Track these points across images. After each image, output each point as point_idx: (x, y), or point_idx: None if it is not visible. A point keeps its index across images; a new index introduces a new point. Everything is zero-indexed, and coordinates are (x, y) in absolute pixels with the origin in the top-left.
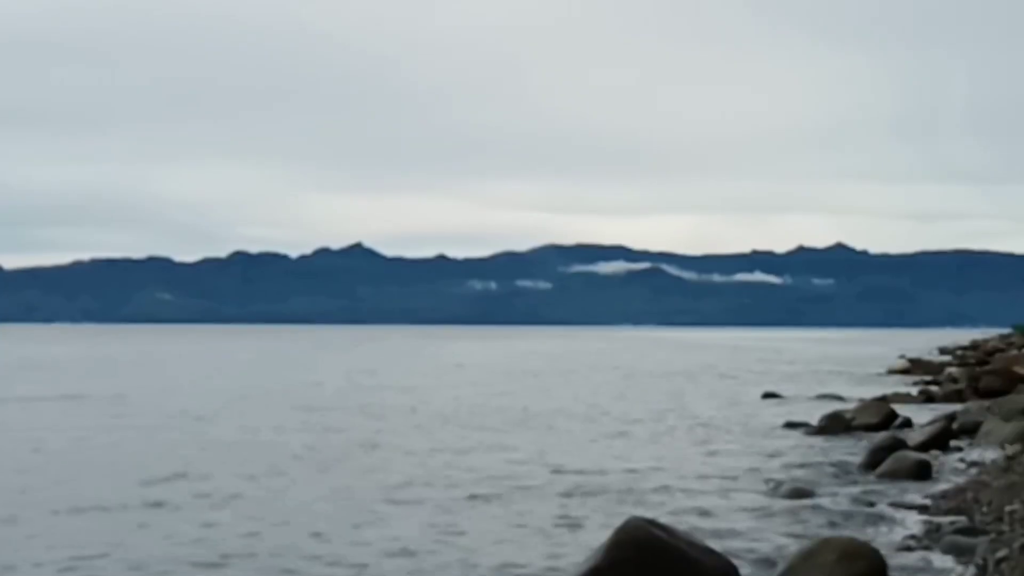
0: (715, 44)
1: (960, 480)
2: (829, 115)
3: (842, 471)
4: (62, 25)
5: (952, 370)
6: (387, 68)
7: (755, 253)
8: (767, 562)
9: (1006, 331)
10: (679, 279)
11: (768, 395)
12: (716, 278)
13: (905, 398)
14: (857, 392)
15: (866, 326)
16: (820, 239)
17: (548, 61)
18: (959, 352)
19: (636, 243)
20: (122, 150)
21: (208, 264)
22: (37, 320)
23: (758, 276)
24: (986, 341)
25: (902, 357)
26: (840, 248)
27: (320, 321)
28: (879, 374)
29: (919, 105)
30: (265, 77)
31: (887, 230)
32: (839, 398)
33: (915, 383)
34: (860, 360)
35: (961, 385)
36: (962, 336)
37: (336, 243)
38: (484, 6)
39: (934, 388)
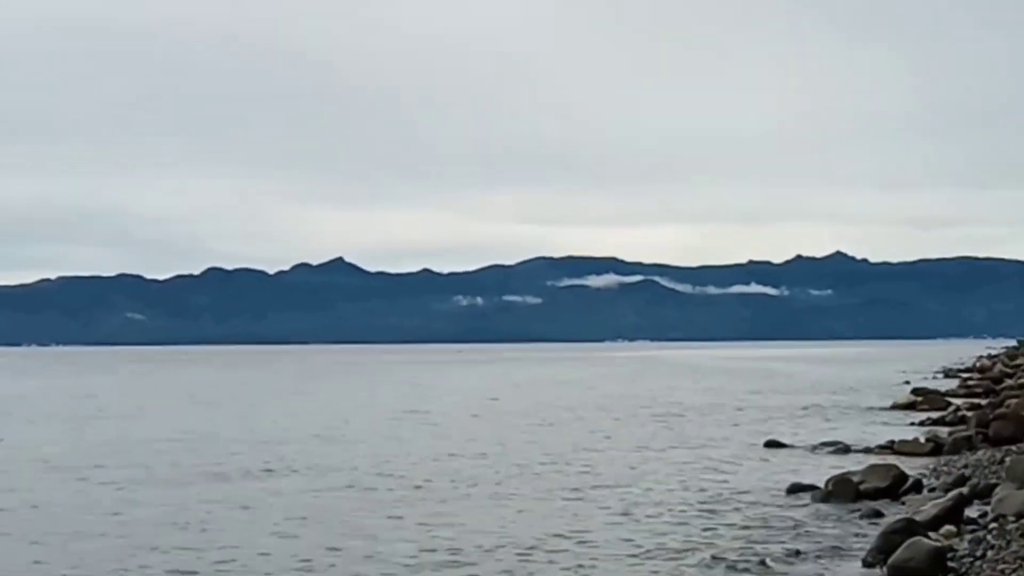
0: (707, 49)
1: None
2: (825, 120)
3: (854, 557)
4: (27, 33)
5: (959, 403)
6: (369, 77)
7: (752, 264)
8: None
9: (1011, 342)
10: (673, 292)
11: (771, 444)
12: (712, 290)
13: (913, 448)
14: (863, 436)
15: (867, 337)
16: (818, 248)
17: (536, 70)
18: (965, 377)
19: (628, 255)
20: (90, 162)
21: (181, 281)
22: (1, 343)
23: (755, 287)
24: (992, 361)
25: (906, 383)
26: (839, 257)
27: (299, 340)
28: (883, 408)
29: (916, 108)
30: (241, 87)
31: (887, 238)
32: (845, 448)
33: (922, 423)
34: (863, 386)
35: (971, 431)
36: (967, 348)
37: (316, 258)
38: (469, 15)
39: (943, 433)
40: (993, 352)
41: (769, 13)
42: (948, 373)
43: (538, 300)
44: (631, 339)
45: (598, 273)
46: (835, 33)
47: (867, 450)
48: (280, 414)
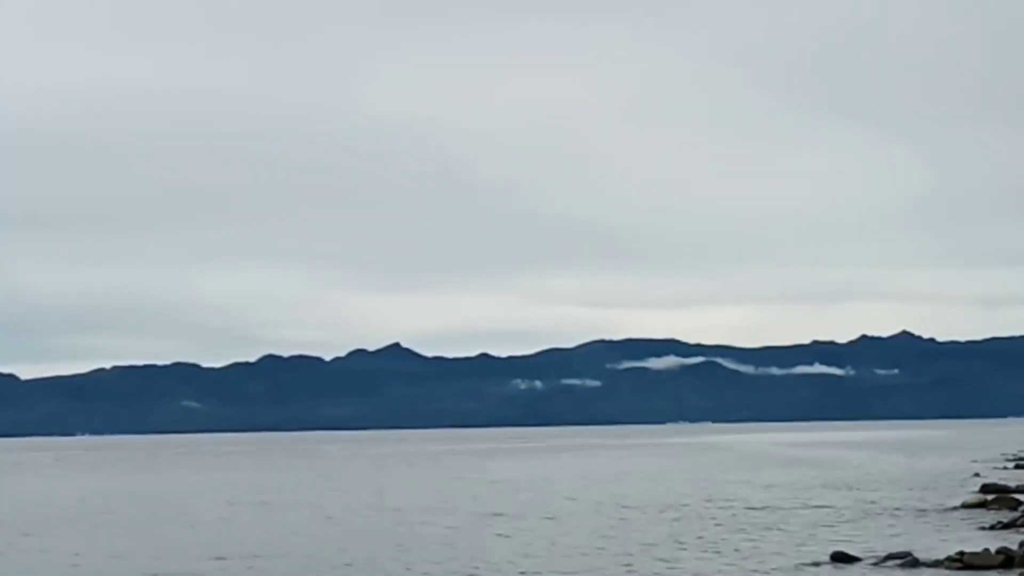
0: (766, 132)
1: None
2: (889, 199)
3: None
4: (83, 123)
5: None
6: (422, 161)
7: (816, 344)
8: None
9: None
10: (735, 373)
11: (838, 557)
12: (775, 371)
13: (984, 560)
14: (933, 543)
15: (935, 417)
16: (884, 327)
17: (592, 151)
18: None
19: (688, 336)
20: (144, 253)
21: (237, 369)
22: (56, 432)
23: (819, 368)
24: None
25: (976, 475)
26: (905, 336)
27: (355, 426)
28: (953, 508)
29: (980, 186)
30: (294, 175)
31: (954, 316)
32: (915, 562)
33: (992, 526)
34: (932, 480)
35: None
36: None
37: (372, 344)
38: (522, 95)
39: (1014, 540)
40: None
41: (824, 96)
42: (1018, 464)
43: (597, 383)
44: (693, 421)
45: (658, 355)
46: (893, 112)
47: (936, 563)
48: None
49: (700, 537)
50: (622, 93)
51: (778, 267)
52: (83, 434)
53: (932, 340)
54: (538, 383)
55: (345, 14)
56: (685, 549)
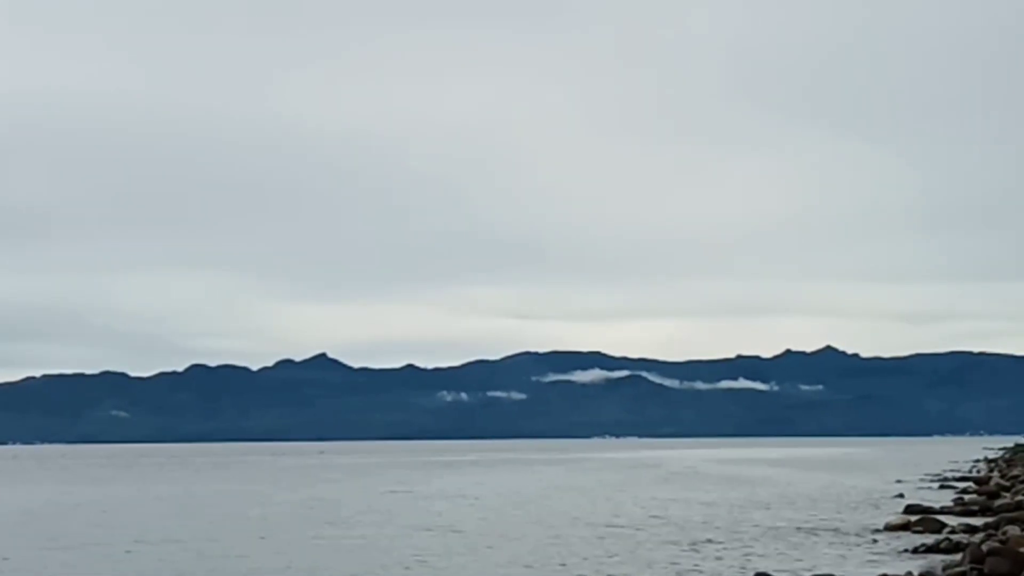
0: (692, 141)
1: None
2: (815, 212)
3: None
4: (22, 124)
5: (954, 525)
6: (346, 171)
7: (740, 358)
8: None
9: (1008, 441)
10: (660, 387)
11: None
12: (699, 385)
13: None
14: (854, 566)
15: (860, 435)
16: (808, 343)
17: (519, 162)
18: (960, 488)
19: (614, 349)
20: (72, 260)
21: (165, 378)
22: None
23: (743, 383)
24: (990, 466)
25: (900, 496)
26: (830, 352)
27: (283, 437)
28: (876, 530)
29: (907, 202)
30: (219, 183)
31: (879, 332)
32: None
33: (915, 549)
34: (854, 498)
35: (965, 567)
36: (962, 447)
37: (299, 354)
38: (449, 103)
39: (937, 566)
40: (990, 455)
41: (754, 102)
42: (943, 483)
43: (523, 396)
44: (618, 436)
45: (584, 368)
46: (823, 128)
47: None
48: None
49: (618, 555)
50: (549, 103)
51: (703, 280)
52: (15, 443)
53: (856, 356)
54: (464, 395)
55: (267, 22)
56: (607, 567)
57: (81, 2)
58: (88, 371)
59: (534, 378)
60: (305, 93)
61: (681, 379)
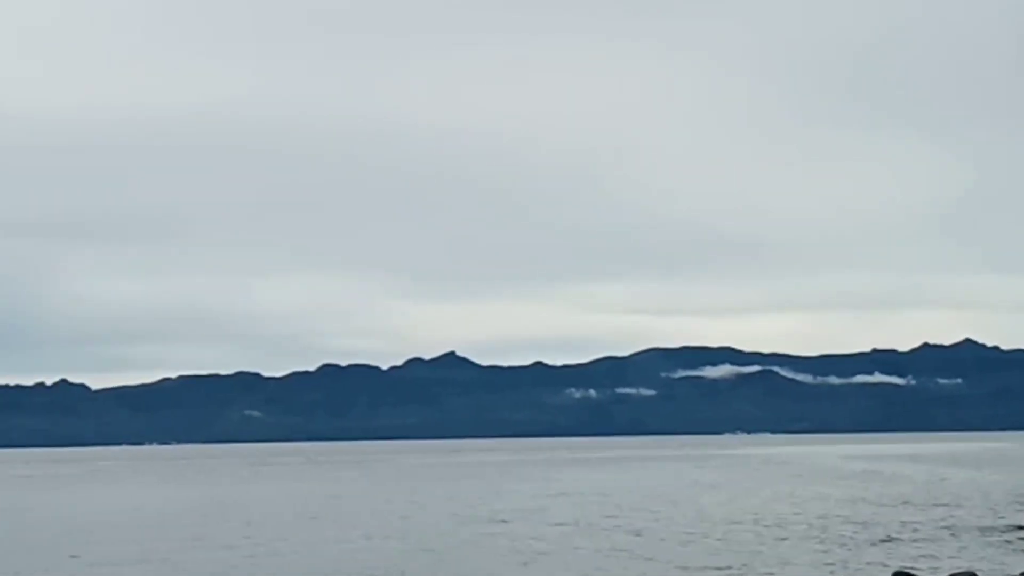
0: (825, 131)
1: None
2: (953, 203)
3: None
4: (144, 131)
5: None
6: (477, 170)
7: (876, 352)
8: None
9: None
10: (793, 382)
11: (900, 575)
12: (834, 380)
13: None
14: (997, 564)
15: (1000, 429)
16: (946, 335)
17: (646, 157)
18: None
19: (745, 344)
20: (206, 263)
21: (297, 378)
22: (125, 442)
23: (879, 377)
24: None
25: None
26: (969, 344)
27: (412, 435)
28: (1019, 526)
29: None
30: (351, 184)
31: (1020, 324)
32: None
33: None
34: (996, 495)
35: None
36: None
37: (428, 353)
38: (574, 100)
39: None
40: None
41: (885, 93)
42: None
43: (652, 392)
44: (749, 431)
45: (714, 364)
46: (960, 116)
47: None
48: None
49: (764, 551)
50: (675, 98)
51: (836, 273)
52: (152, 443)
53: (996, 348)
54: (593, 392)
55: (382, 23)
56: (746, 564)
57: (208, 15)
58: (222, 372)
59: (663, 374)
60: (433, 93)
61: (815, 374)
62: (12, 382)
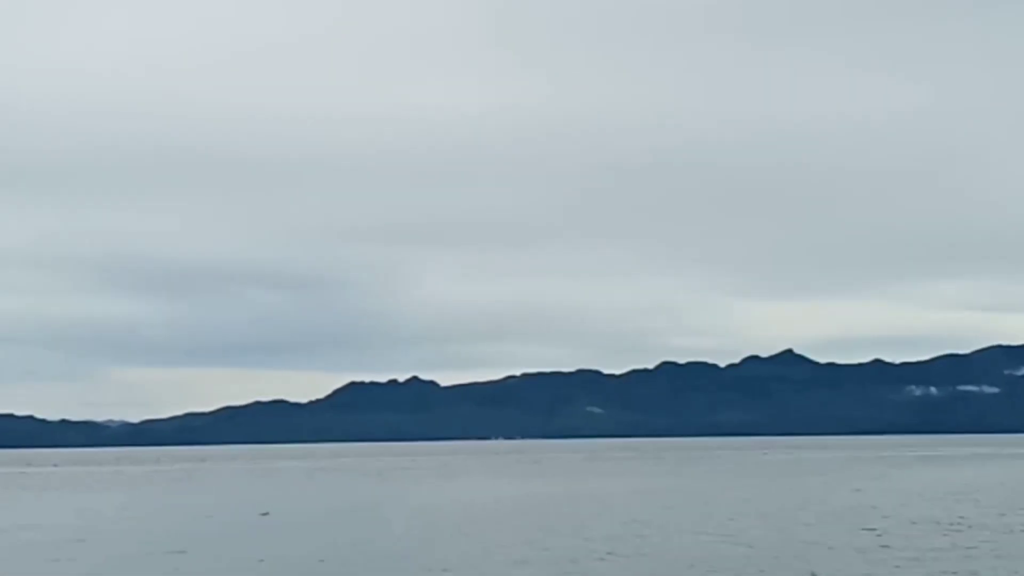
0: None
1: None
2: None
3: None
4: (489, 144)
5: None
6: (814, 170)
7: None
8: None
9: None
10: None
11: None
12: None
13: None
14: None
15: None
16: None
17: (982, 155)
18: None
19: None
20: (548, 265)
21: (636, 375)
22: (473, 436)
23: None
24: None
25: None
26: None
27: (748, 432)
28: None
29: None
30: (694, 187)
31: None
32: None
33: None
34: None
35: None
36: None
37: (765, 350)
38: (914, 103)
39: None
40: None
41: None
42: None
43: (996, 390)
44: None
45: None
46: None
47: None
48: None
49: None
50: (1003, 100)
51: None
52: (497, 438)
53: None
54: (933, 389)
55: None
56: None
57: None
58: (564, 369)
59: (1007, 371)
60: (774, 94)
61: None
62: (367, 379)
